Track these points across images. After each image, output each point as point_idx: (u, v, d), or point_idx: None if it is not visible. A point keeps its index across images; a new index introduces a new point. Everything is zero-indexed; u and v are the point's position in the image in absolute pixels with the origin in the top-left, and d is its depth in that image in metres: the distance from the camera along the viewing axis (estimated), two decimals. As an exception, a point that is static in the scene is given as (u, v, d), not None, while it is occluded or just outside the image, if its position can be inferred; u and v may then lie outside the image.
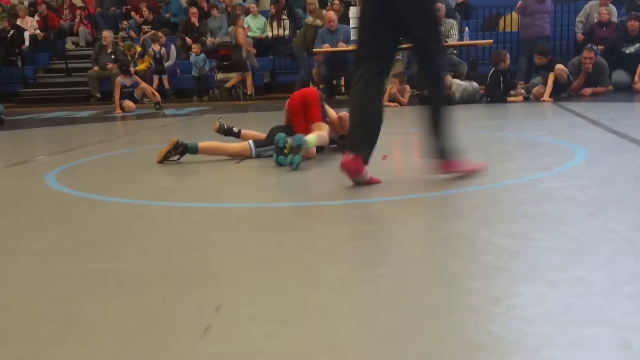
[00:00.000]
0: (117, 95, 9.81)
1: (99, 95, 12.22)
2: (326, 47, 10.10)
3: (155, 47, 11.83)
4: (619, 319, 1.59)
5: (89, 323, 1.73)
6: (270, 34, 12.49)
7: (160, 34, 12.04)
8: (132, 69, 10.33)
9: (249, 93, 11.36)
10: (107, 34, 12.44)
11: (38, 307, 1.88)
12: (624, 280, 1.85)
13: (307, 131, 4.32)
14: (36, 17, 14.14)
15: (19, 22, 13.86)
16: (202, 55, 11.84)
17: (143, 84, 10.10)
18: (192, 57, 11.85)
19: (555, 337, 1.51)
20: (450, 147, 3.36)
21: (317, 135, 4.24)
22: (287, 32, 12.45)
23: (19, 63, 13.39)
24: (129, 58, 12.27)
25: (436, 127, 3.33)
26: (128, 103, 9.82)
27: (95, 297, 1.92)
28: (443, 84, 3.42)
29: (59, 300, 1.92)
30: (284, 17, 12.52)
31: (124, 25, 13.59)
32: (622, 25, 10.11)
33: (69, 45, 14.09)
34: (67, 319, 1.77)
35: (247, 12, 12.90)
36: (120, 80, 9.86)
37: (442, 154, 3.35)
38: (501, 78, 8.21)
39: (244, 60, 11.46)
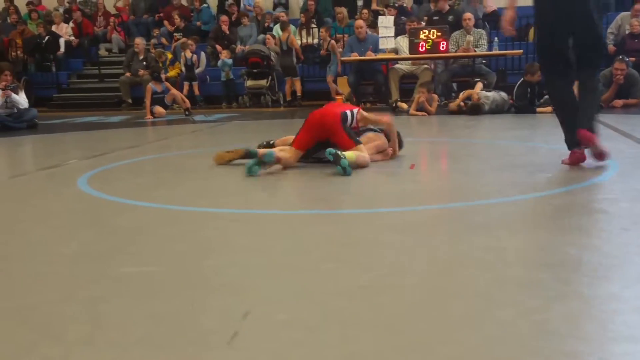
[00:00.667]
0: (147, 101, 9.94)
1: (130, 100, 12.39)
2: (355, 56, 10.11)
3: (187, 54, 11.98)
4: (653, 336, 1.56)
5: (117, 327, 1.75)
6: (299, 42, 12.55)
7: (190, 41, 12.18)
8: (162, 76, 10.46)
9: (299, 94, 11.54)
10: (139, 41, 12.61)
11: (68, 309, 1.90)
12: (658, 296, 1.81)
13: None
14: (71, 24, 14.41)
15: (54, 28, 14.13)
16: (230, 60, 11.98)
17: (173, 90, 10.22)
18: (220, 62, 11.99)
19: (587, 355, 1.48)
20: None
21: (355, 154, 4.21)
22: (316, 41, 12.51)
23: (54, 68, 13.64)
24: (160, 65, 12.41)
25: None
26: (158, 109, 9.94)
27: (124, 301, 1.94)
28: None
29: (88, 303, 1.95)
30: (313, 25, 12.58)
31: (156, 33, 13.77)
32: (655, 37, 9.95)
33: (102, 52, 14.32)
34: (96, 322, 1.79)
35: (276, 21, 12.98)
36: (151, 86, 9.99)
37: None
38: (529, 89, 8.15)
39: (295, 65, 11.63)
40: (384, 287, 1.98)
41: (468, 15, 10.09)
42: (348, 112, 4.49)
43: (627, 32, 10.38)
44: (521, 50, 10.36)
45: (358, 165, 4.18)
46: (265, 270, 2.22)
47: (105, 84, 13.39)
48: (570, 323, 1.65)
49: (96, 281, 2.15)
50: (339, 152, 4.04)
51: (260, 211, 3.20)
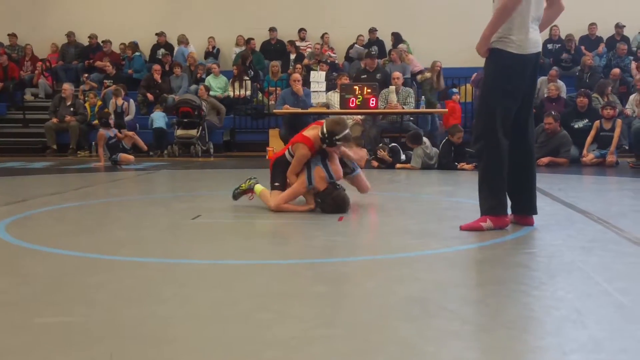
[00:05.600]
0: (100, 149, 9.49)
1: (55, 146, 12.09)
2: (286, 108, 10.24)
3: (119, 101, 11.81)
4: (566, 385, 1.62)
5: (31, 379, 1.67)
6: (231, 94, 12.64)
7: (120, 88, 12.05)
8: (111, 121, 9.97)
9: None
10: (67, 87, 12.39)
11: (-22, 361, 1.81)
12: (571, 348, 1.88)
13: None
14: (-4, 67, 14.04)
15: (-23, 72, 13.72)
16: (162, 113, 11.90)
17: (130, 133, 9.89)
18: (154, 115, 11.88)
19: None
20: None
21: (262, 191, 4.82)
22: (248, 93, 12.62)
23: (-25, 112, 13.19)
24: (89, 110, 12.20)
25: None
26: (125, 156, 9.45)
27: (41, 353, 1.86)
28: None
29: (2, 354, 1.85)
30: (246, 78, 12.71)
31: (85, 79, 13.57)
32: (571, 101, 10.55)
33: (27, 97, 13.95)
34: (9, 374, 1.71)
35: (209, 72, 13.05)
36: (103, 132, 9.62)
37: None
38: (452, 148, 8.51)
39: None
40: (314, 338, 1.98)
41: (397, 74, 10.46)
42: (286, 153, 4.75)
43: (545, 95, 10.98)
44: (447, 110, 10.76)
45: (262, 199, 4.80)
46: (191, 320, 2.18)
47: (30, 129, 13.04)
48: (489, 373, 1.70)
49: (10, 332, 2.06)
50: (252, 179, 4.90)
51: (186, 261, 3.15)
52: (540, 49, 3.78)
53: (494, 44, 3.68)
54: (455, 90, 11.26)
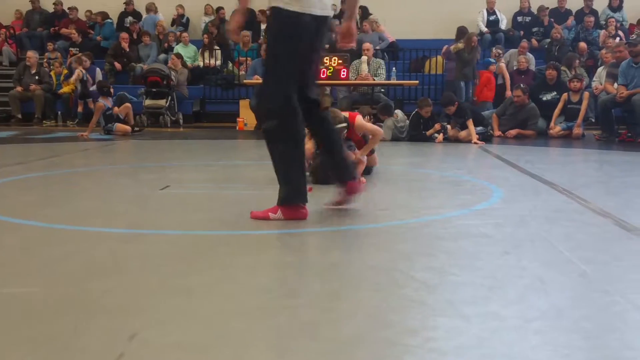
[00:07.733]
0: (95, 119, 9.15)
1: (20, 116, 11.83)
2: (257, 79, 10.14)
3: (82, 70, 11.55)
4: (528, 352, 1.65)
5: (-7, 351, 1.65)
6: (201, 64, 12.46)
7: (84, 57, 11.78)
8: (112, 90, 9.72)
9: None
10: (31, 54, 12.08)
11: (-62, 333, 1.78)
12: (533, 316, 1.92)
13: None
14: (-43, 34, 13.64)
15: (-63, 38, 13.30)
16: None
17: (127, 104, 9.58)
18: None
19: (467, 369, 1.54)
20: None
21: None
22: (218, 62, 12.45)
23: (-64, 80, 12.82)
24: (54, 78, 11.93)
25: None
26: (121, 126, 9.27)
27: (3, 324, 1.84)
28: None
29: (-39, 326, 1.83)
30: (216, 47, 12.53)
31: (51, 47, 13.24)
32: (540, 74, 10.63)
33: (-10, 64, 13.61)
34: (-30, 346, 1.69)
35: (178, 40, 12.83)
36: (102, 103, 9.27)
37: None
38: (421, 120, 8.60)
39: None
40: (279, 308, 1.98)
41: (367, 45, 10.41)
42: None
43: (515, 68, 11.04)
44: (417, 81, 10.76)
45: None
46: (156, 291, 2.16)
47: (-7, 97, 12.74)
48: (452, 341, 1.72)
49: (-29, 303, 2.02)
50: None
51: (153, 231, 3.12)
52: (328, 14, 3.25)
53: (273, 2, 3.17)
54: (492, 60, 11.00)
